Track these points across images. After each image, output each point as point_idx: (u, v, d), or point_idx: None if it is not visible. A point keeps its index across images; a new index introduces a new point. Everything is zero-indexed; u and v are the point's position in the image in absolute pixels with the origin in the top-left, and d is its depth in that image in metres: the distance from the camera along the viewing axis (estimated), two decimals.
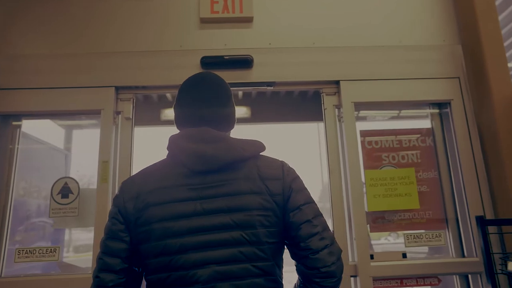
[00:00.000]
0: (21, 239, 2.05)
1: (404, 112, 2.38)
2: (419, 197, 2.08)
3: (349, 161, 2.05)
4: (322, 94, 2.20)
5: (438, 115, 2.28)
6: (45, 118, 2.26)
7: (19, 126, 2.16)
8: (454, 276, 2.06)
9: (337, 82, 2.18)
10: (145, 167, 1.17)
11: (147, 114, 3.07)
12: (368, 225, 2.06)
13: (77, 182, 2.08)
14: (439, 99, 2.19)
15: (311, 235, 1.05)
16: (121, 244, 1.06)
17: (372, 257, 1.95)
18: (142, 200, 1.05)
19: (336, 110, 2.18)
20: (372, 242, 2.13)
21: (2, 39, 2.18)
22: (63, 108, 2.08)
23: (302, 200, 1.09)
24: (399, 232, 2.13)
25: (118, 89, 2.13)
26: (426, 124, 2.30)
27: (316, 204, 1.12)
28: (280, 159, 1.18)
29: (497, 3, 2.60)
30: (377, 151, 2.21)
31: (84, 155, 2.21)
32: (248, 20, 2.25)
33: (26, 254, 1.94)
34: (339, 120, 2.17)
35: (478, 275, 1.95)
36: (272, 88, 2.21)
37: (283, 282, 1.12)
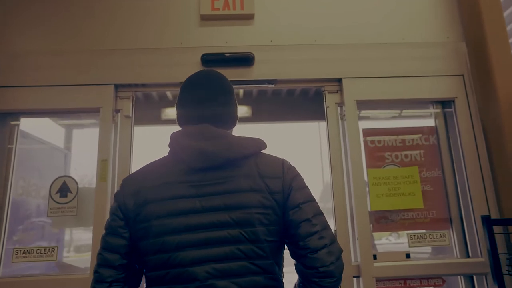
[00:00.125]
0: (20, 239, 2.03)
1: (406, 112, 2.35)
2: (423, 197, 2.05)
3: (351, 160, 2.02)
4: (324, 92, 2.17)
5: (441, 113, 2.25)
6: (43, 116, 2.24)
7: (17, 125, 2.14)
8: (459, 277, 2.03)
9: (339, 80, 2.15)
10: (146, 164, 1.16)
11: (147, 113, 3.06)
12: (371, 225, 2.03)
13: (75, 181, 2.06)
14: (443, 97, 2.16)
15: (310, 234, 1.03)
16: (121, 240, 1.06)
17: (375, 257, 1.92)
18: (142, 196, 1.06)
19: (338, 108, 2.15)
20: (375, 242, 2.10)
21: (0, 37, 2.16)
22: (62, 106, 2.06)
23: (302, 199, 1.08)
24: (401, 232, 2.10)
25: (117, 86, 2.11)
26: (429, 122, 2.27)
27: (316, 203, 1.10)
28: (282, 157, 1.17)
29: None
30: (380, 150, 2.18)
31: (84, 154, 2.19)
32: (249, 17, 2.23)
33: (24, 254, 1.92)
34: (341, 119, 2.14)
35: (484, 276, 1.92)
36: (273, 86, 2.19)
37: (284, 282, 1.11)
